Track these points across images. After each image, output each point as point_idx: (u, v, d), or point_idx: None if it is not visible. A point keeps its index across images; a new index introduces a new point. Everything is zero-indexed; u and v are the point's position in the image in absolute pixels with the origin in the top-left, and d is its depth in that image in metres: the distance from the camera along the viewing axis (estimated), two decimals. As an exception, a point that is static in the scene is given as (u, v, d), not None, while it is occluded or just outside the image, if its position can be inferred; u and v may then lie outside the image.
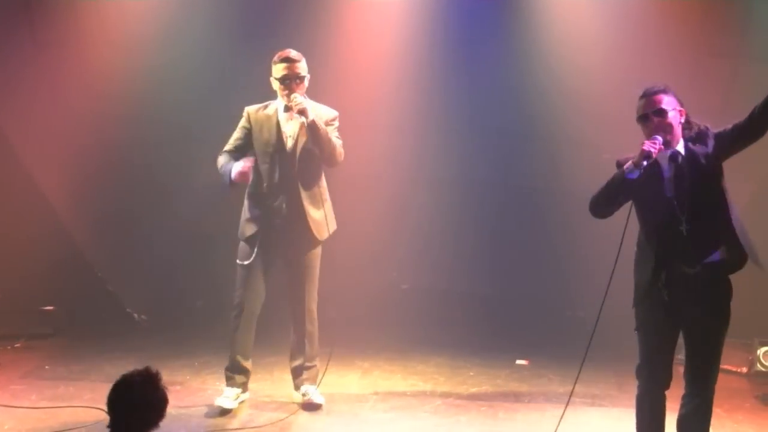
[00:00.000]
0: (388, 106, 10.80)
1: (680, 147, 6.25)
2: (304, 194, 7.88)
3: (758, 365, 8.87)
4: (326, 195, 8.09)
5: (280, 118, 7.92)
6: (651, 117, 6.22)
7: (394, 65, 10.72)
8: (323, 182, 8.07)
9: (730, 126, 6.26)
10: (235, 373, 8.02)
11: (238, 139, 8.02)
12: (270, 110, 7.97)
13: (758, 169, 9.66)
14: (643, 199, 6.31)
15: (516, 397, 8.40)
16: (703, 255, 6.20)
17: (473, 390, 8.61)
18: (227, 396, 7.94)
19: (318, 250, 8.07)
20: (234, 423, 7.68)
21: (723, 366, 9.17)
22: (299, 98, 7.73)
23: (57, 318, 10.09)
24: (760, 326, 9.13)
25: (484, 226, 11.00)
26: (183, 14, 10.40)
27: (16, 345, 9.69)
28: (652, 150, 6.06)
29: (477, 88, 10.83)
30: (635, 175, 6.11)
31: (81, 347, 9.65)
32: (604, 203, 6.37)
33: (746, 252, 6.27)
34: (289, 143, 7.88)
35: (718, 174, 6.28)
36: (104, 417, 7.41)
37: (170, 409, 7.66)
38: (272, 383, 8.60)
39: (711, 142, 6.25)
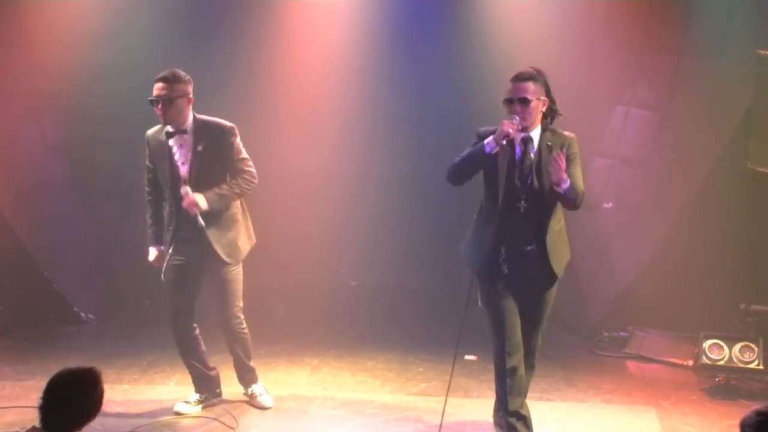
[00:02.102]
0: (336, 105, 10.82)
1: (535, 133, 6.85)
2: (205, 220, 7.56)
3: (704, 358, 8.93)
4: (240, 215, 7.79)
5: (170, 144, 7.63)
6: (515, 103, 6.74)
7: (340, 64, 10.73)
8: (234, 204, 7.76)
9: (573, 171, 6.78)
10: (195, 380, 7.98)
11: (150, 179, 7.81)
12: (162, 135, 7.66)
13: (700, 171, 9.78)
14: (493, 173, 6.84)
15: (465, 392, 8.42)
16: (537, 234, 6.86)
17: (422, 386, 8.63)
18: (186, 400, 7.89)
19: (234, 272, 7.80)
20: (183, 421, 7.65)
21: (670, 359, 9.37)
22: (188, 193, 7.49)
23: (2, 318, 9.98)
24: (706, 320, 9.21)
25: (432, 223, 11.03)
26: (127, 12, 10.35)
27: (-39, 346, 9.61)
28: (511, 131, 6.61)
29: (424, 86, 10.87)
30: (493, 150, 6.66)
31: (27, 347, 9.57)
32: (463, 174, 6.91)
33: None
34: (182, 170, 7.60)
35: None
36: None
37: (117, 408, 7.77)
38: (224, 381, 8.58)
39: (565, 151, 6.80)
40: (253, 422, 7.68)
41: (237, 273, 7.84)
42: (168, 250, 7.75)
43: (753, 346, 8.83)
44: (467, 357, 9.31)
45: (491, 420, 7.49)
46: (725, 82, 9.50)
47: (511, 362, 6.98)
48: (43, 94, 10.36)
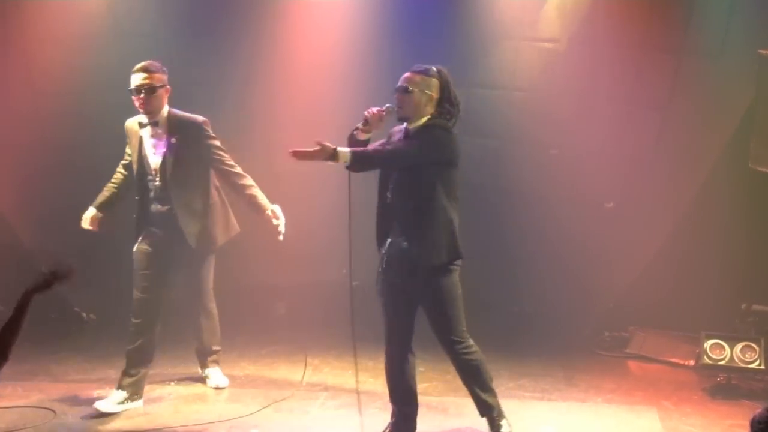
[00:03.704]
0: (335, 103, 10.79)
1: (414, 126, 6.86)
2: (178, 210, 7.83)
3: (705, 358, 8.93)
4: (219, 205, 8.07)
5: (142, 134, 7.86)
6: (398, 90, 6.87)
7: (341, 64, 10.70)
8: (206, 194, 8.00)
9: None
10: (126, 377, 7.99)
11: (126, 155, 8.10)
12: (136, 124, 7.89)
13: (701, 170, 9.77)
14: None
15: (465, 392, 8.37)
16: (406, 228, 6.87)
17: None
18: (111, 399, 7.87)
19: (207, 258, 8.15)
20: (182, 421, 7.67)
21: (671, 359, 9.37)
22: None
23: (3, 318, 9.96)
24: (707, 320, 9.21)
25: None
26: (127, 12, 10.35)
27: (-39, 346, 9.58)
28: (367, 114, 6.79)
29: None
30: (362, 137, 6.84)
31: (28, 347, 9.47)
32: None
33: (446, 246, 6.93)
34: (153, 160, 7.82)
35: (424, 165, 6.82)
36: (53, 417, 7.45)
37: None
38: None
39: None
40: (253, 422, 7.67)
41: (210, 261, 8.15)
42: (138, 237, 7.99)
43: (754, 345, 8.83)
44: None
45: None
46: (726, 81, 9.49)
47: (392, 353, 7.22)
48: (43, 94, 10.36)
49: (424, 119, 6.85)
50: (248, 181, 7.98)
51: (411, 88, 6.82)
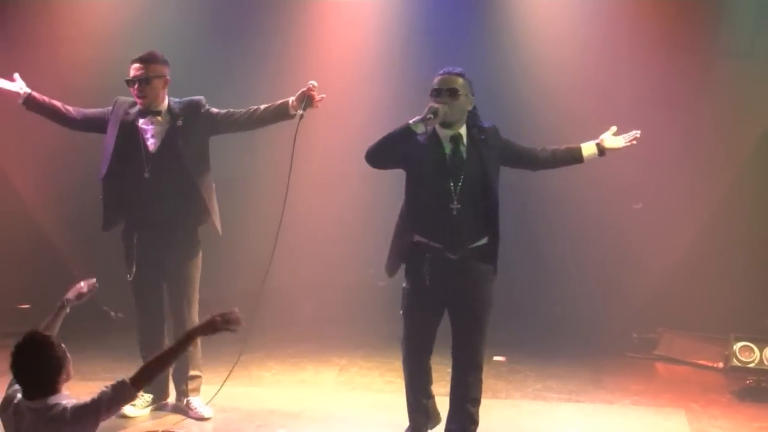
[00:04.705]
0: (361, 104, 10.80)
1: (462, 132, 6.55)
2: (204, 195, 7.55)
3: (734, 360, 8.92)
4: (212, 199, 7.68)
5: (139, 122, 7.55)
6: (443, 94, 6.45)
7: (367, 63, 10.70)
8: (206, 183, 7.64)
9: (522, 145, 6.82)
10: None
11: (93, 111, 7.78)
12: (133, 111, 7.59)
13: (728, 171, 9.74)
14: (419, 171, 6.59)
15: (493, 393, 8.38)
16: (468, 238, 6.54)
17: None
18: (133, 403, 7.73)
19: (197, 259, 7.71)
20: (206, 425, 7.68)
21: (699, 361, 9.33)
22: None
23: (33, 316, 10.00)
24: (736, 322, 9.19)
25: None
26: (155, 10, 10.38)
27: (-9, 343, 9.64)
28: (439, 107, 6.32)
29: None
30: (420, 129, 6.36)
31: (56, 346, 9.58)
32: (381, 151, 6.59)
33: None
34: (151, 143, 7.53)
35: (495, 170, 6.62)
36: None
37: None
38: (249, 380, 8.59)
39: (498, 144, 6.64)
40: (280, 422, 7.66)
41: (195, 272, 7.77)
42: (132, 251, 7.77)
43: (785, 348, 8.84)
44: (495, 358, 9.31)
45: (520, 421, 7.48)
46: (754, 81, 9.47)
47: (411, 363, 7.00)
48: (72, 90, 10.37)
49: (464, 125, 6.56)
50: (256, 106, 7.56)
51: (459, 90, 6.46)
